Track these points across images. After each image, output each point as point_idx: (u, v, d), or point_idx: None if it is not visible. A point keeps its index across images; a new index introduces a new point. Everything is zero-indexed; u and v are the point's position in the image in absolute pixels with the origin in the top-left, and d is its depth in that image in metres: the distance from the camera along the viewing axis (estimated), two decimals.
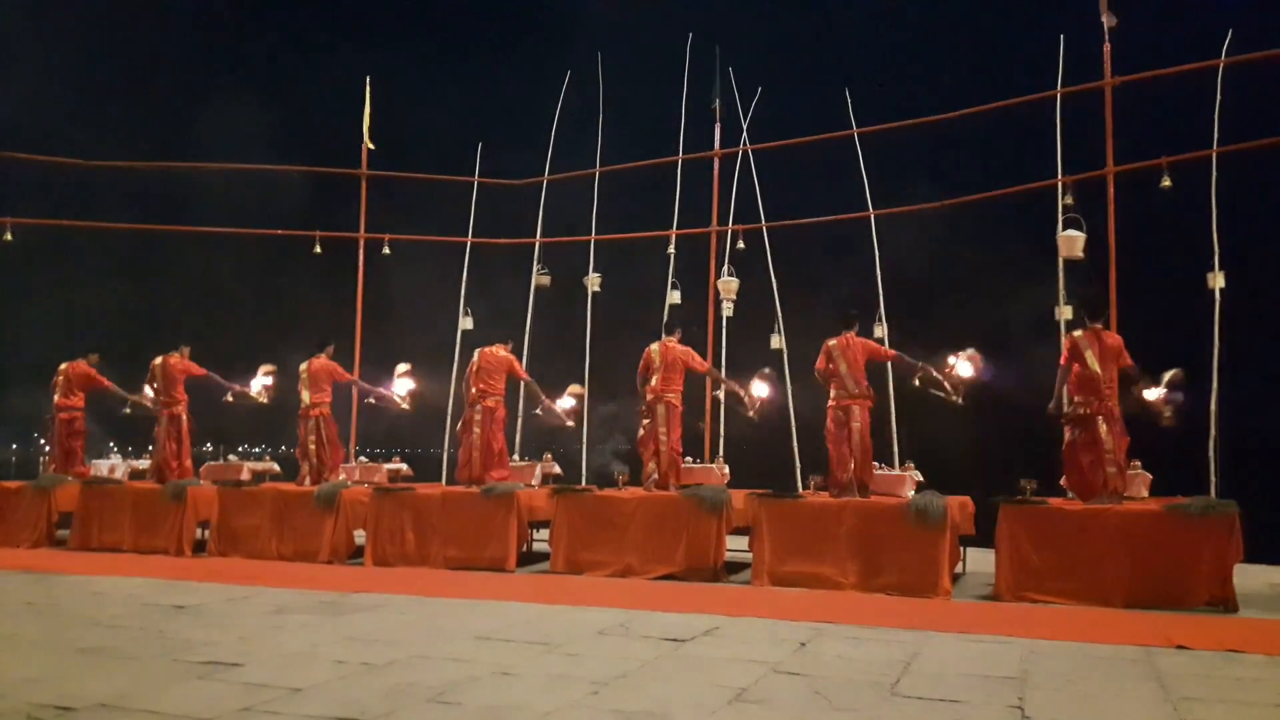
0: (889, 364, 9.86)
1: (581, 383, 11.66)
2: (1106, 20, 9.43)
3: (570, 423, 10.58)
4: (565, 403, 10.57)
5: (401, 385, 10.86)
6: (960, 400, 8.62)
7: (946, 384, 8.67)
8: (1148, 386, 8.05)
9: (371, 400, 11.05)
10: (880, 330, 10.41)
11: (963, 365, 8.66)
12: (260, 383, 11.11)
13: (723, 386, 10.24)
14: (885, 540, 7.82)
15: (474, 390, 9.97)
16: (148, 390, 11.29)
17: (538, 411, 10.57)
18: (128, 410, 11.54)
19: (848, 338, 8.75)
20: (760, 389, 9.69)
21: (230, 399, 11.08)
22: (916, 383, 8.94)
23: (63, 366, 11.54)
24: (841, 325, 8.83)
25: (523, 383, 10.54)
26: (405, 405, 10.86)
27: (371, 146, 12.63)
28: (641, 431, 9.41)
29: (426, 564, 9.22)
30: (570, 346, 11.96)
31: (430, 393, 11.26)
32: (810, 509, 8.22)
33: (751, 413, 9.66)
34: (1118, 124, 9.45)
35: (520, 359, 10.86)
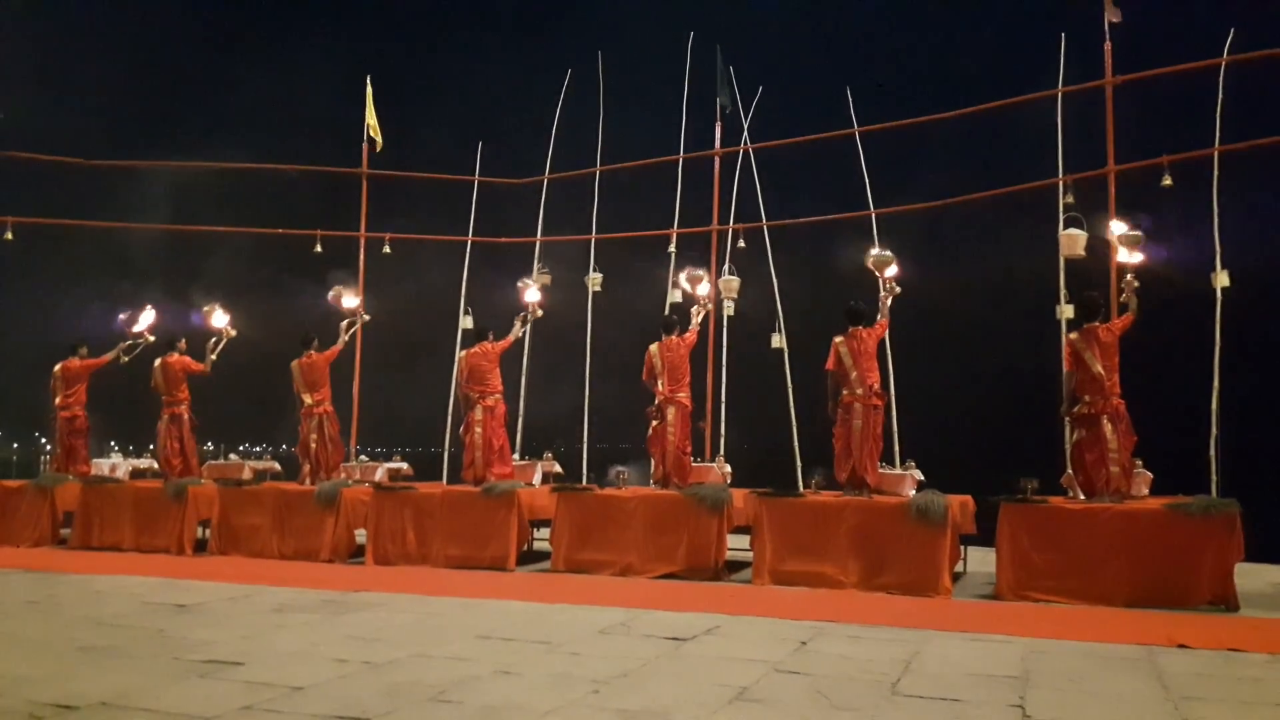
0: (888, 345, 9.90)
1: (582, 384, 11.68)
2: (1109, 15, 9.42)
3: (540, 313, 10.77)
4: (531, 295, 10.69)
5: (348, 300, 11.23)
6: (898, 289, 8.98)
7: (890, 289, 9.00)
8: (1129, 285, 8.18)
9: (344, 338, 11.11)
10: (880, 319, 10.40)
11: (890, 270, 9.07)
12: (220, 322, 11.20)
13: (700, 316, 10.19)
14: (886, 539, 7.81)
15: (472, 395, 9.98)
16: (140, 323, 11.48)
17: (519, 332, 10.60)
18: (125, 359, 11.56)
19: (858, 334, 8.69)
20: (703, 289, 10.05)
21: (215, 357, 11.13)
22: (886, 313, 9.07)
23: (56, 368, 11.55)
24: (848, 322, 8.78)
25: (513, 343, 10.56)
26: (365, 316, 11.30)
27: (378, 140, 12.62)
28: (650, 431, 9.41)
29: (427, 563, 9.23)
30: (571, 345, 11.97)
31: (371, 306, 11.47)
32: (811, 508, 8.21)
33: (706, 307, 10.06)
34: (1119, 123, 9.44)
35: (520, 356, 10.87)
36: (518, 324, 10.44)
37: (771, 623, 6.32)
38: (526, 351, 11.82)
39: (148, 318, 11.50)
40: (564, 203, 12.67)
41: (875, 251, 9.28)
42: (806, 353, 10.09)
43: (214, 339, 11.15)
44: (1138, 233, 8.32)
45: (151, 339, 11.39)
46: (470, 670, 4.83)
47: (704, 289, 10.05)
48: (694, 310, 9.92)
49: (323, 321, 11.27)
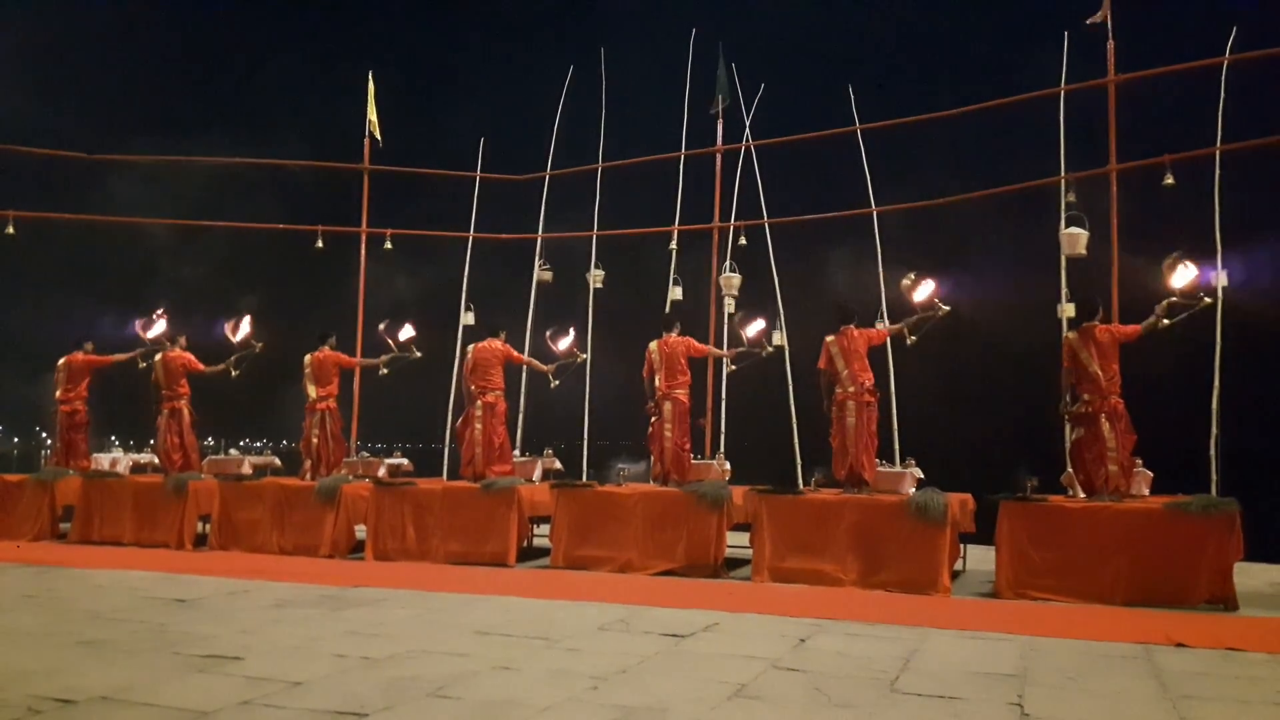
0: (888, 343, 9.86)
1: (584, 376, 11.68)
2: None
3: (582, 355, 10.56)
4: (564, 343, 10.61)
5: (404, 333, 10.87)
6: (946, 308, 8.68)
7: (927, 312, 8.76)
8: (1172, 306, 7.95)
9: (384, 371, 10.98)
10: (881, 327, 10.39)
11: (921, 290, 8.77)
12: (243, 333, 11.09)
13: (726, 360, 10.21)
14: (886, 537, 7.82)
15: (473, 388, 9.99)
16: (153, 330, 11.36)
17: (555, 383, 10.53)
18: (143, 364, 11.47)
19: (847, 333, 8.72)
20: (756, 327, 9.80)
21: (235, 372, 11.06)
22: (912, 337, 8.93)
23: (61, 361, 11.55)
24: (839, 320, 8.81)
25: (524, 367, 10.57)
26: (417, 354, 10.85)
27: (379, 138, 12.65)
28: (650, 429, 9.41)
29: (427, 559, 9.23)
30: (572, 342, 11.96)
31: (427, 342, 11.23)
32: (811, 505, 8.21)
33: (767, 350, 9.76)
34: (1121, 121, 9.44)
35: (520, 352, 10.86)
36: (550, 369, 10.39)
37: (770, 620, 6.32)
38: (527, 349, 11.83)
39: (161, 325, 11.37)
40: (566, 199, 12.69)
41: (912, 277, 8.92)
42: (807, 350, 10.09)
43: (236, 355, 11.07)
44: (1174, 254, 8.17)
45: (167, 343, 11.28)
46: (469, 666, 4.83)
47: (754, 328, 9.78)
48: (739, 351, 9.93)
49: (332, 322, 11.24)
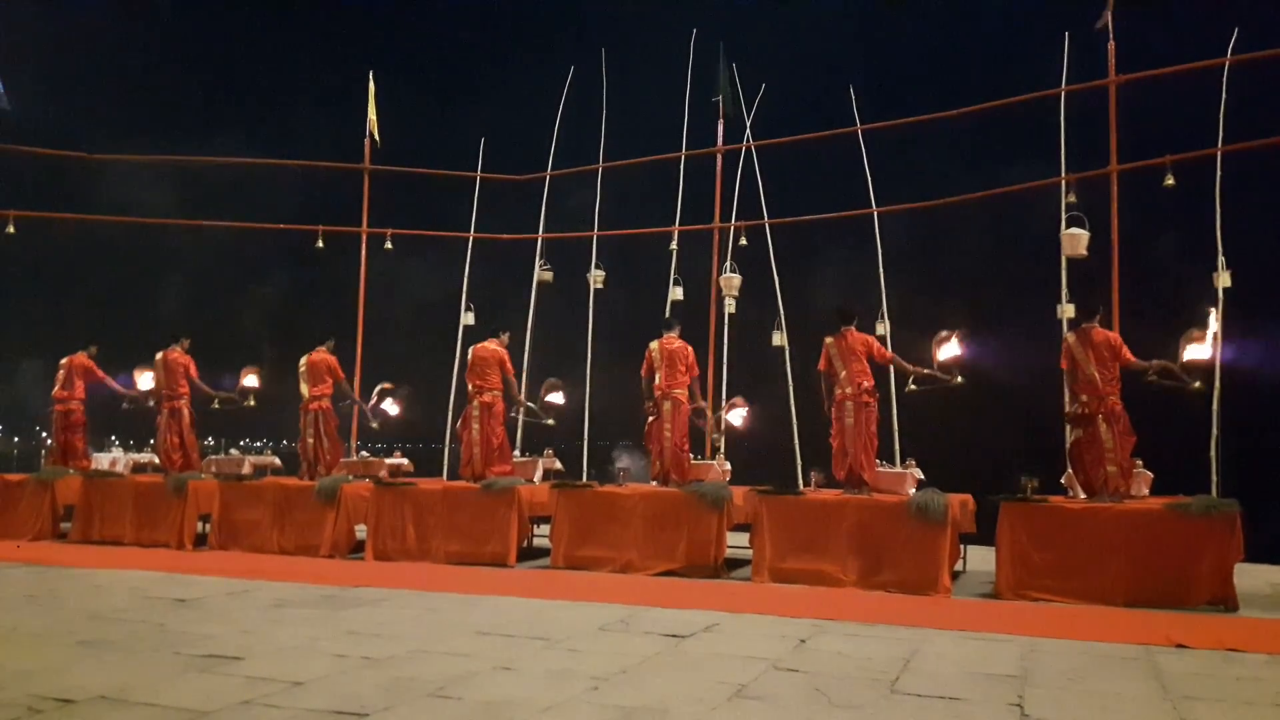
0: (888, 342, 9.86)
1: (584, 376, 11.67)
2: (1104, 20, 9.46)
3: (551, 420, 10.59)
4: (554, 398, 10.60)
5: (390, 407, 11.18)
6: (960, 379, 8.64)
7: (939, 373, 8.73)
8: (1166, 370, 7.97)
9: (349, 398, 11.24)
10: (882, 328, 10.40)
11: (947, 349, 8.73)
12: (248, 383, 11.17)
13: (695, 410, 10.23)
14: (886, 537, 7.82)
15: (470, 387, 9.99)
16: (141, 383, 11.44)
17: (513, 414, 10.58)
18: (126, 405, 11.56)
19: (846, 334, 8.72)
20: (735, 416, 9.95)
21: (217, 405, 11.12)
22: (913, 385, 8.95)
23: (64, 360, 11.56)
24: (839, 322, 8.80)
25: (513, 376, 10.59)
26: (375, 425, 11.15)
27: (377, 140, 12.66)
28: (648, 427, 9.41)
29: (427, 559, 9.23)
30: (572, 342, 11.97)
31: (411, 412, 11.45)
32: (811, 506, 8.21)
33: (716, 435, 9.86)
34: (1121, 122, 9.43)
35: (521, 353, 10.88)
36: (522, 408, 10.46)
37: (771, 620, 6.32)
38: (528, 349, 11.83)
39: (146, 380, 11.45)
40: (566, 199, 12.69)
41: (945, 334, 8.86)
42: (807, 351, 10.09)
43: (229, 395, 11.09)
44: (1190, 330, 8.11)
45: (150, 404, 11.31)
46: (469, 666, 4.83)
47: (736, 415, 10.18)
48: (717, 419, 10.14)
49: (317, 317, 11.25)
